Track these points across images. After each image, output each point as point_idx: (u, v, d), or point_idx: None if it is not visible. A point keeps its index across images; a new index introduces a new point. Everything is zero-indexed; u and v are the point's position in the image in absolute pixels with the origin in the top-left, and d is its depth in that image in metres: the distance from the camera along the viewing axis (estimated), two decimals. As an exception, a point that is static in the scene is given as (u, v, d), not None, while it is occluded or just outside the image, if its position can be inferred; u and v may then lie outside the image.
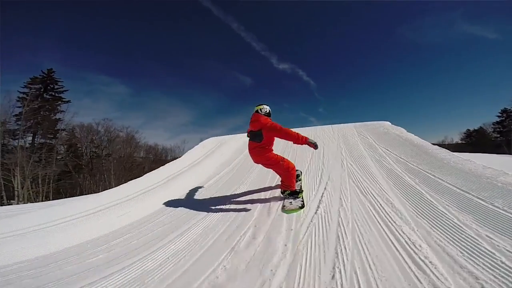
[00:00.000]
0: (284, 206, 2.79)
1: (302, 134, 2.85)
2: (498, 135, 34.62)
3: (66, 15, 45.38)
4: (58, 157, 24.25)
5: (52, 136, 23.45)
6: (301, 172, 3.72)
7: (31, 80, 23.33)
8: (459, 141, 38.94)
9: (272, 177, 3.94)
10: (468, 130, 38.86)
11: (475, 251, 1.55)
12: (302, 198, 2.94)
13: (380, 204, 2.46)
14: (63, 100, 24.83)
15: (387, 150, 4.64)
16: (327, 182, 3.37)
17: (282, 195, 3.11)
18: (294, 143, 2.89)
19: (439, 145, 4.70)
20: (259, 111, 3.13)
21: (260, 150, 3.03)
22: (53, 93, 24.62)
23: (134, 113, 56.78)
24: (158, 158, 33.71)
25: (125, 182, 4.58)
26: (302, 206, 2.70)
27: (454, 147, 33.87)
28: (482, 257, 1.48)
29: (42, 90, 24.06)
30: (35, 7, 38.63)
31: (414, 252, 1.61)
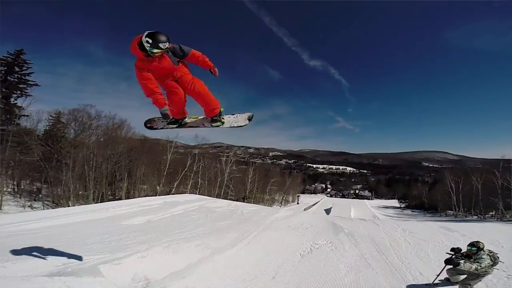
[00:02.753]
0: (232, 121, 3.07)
1: None
2: None
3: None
4: (14, 144, 22.39)
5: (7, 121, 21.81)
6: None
7: (-7, 60, 21.85)
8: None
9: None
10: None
11: None
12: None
13: None
14: (29, 83, 23.35)
15: None
16: None
17: (214, 124, 3.02)
18: None
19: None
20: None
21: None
22: (19, 76, 23.16)
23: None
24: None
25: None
26: (250, 118, 3.08)
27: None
28: None
29: (4, 72, 22.59)
30: None
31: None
